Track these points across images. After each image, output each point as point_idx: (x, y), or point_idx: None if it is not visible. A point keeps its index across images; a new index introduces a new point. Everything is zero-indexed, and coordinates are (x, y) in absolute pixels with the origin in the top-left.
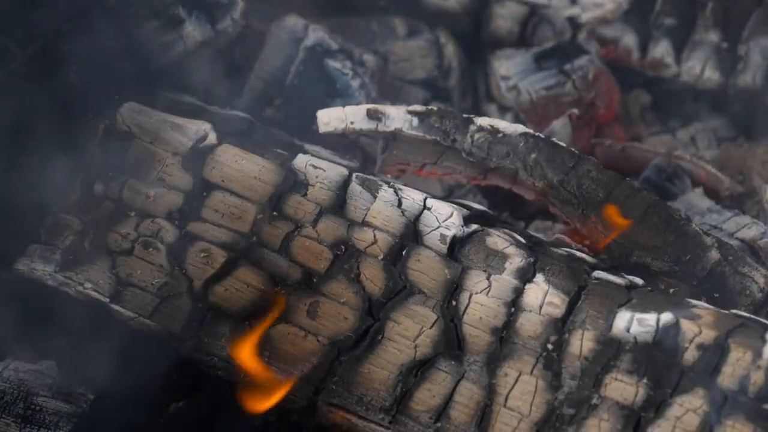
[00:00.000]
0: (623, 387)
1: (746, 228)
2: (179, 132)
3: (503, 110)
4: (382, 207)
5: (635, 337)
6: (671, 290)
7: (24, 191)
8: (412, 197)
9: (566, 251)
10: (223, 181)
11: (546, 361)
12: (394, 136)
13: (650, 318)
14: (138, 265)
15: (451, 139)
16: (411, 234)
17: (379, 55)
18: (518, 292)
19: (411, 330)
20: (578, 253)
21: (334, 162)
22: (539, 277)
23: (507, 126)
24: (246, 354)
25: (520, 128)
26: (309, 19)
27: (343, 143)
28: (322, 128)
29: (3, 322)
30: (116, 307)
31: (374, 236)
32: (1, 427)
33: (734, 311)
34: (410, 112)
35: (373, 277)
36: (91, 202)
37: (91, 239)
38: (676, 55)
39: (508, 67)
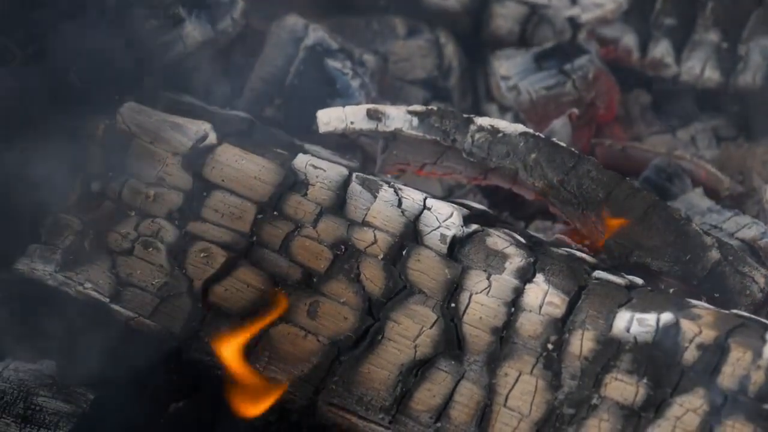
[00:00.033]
0: (623, 387)
1: (746, 228)
2: (179, 132)
3: (503, 110)
4: (382, 207)
5: (635, 337)
6: (671, 290)
7: (24, 191)
8: (412, 197)
9: (566, 251)
10: (223, 180)
11: (546, 361)
12: (394, 136)
13: (650, 318)
14: (138, 265)
15: (451, 139)
16: (411, 234)
17: (379, 55)
18: (518, 292)
19: (411, 330)
20: (578, 253)
21: (334, 162)
22: (539, 277)
23: (507, 126)
24: (232, 356)
25: (520, 128)
26: (309, 18)
27: (343, 143)
28: (322, 128)
29: (3, 322)
30: (116, 307)
31: (374, 236)
32: (1, 427)
33: (734, 311)
34: (410, 112)
35: (373, 277)
36: (91, 201)
37: (91, 239)
38: (676, 55)
39: (508, 67)
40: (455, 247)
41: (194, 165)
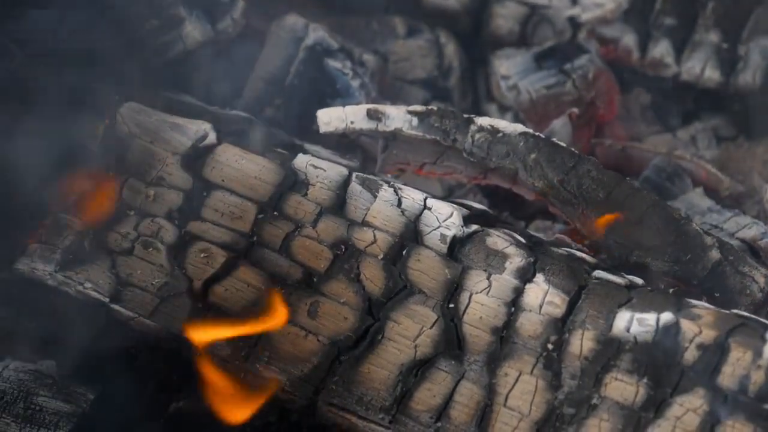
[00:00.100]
0: (623, 387)
1: (747, 228)
2: (179, 132)
3: (503, 110)
4: (382, 207)
5: (635, 337)
6: (671, 290)
7: (24, 191)
8: (412, 197)
9: (566, 251)
10: (223, 180)
11: (546, 361)
12: (394, 136)
13: (650, 318)
14: (138, 264)
15: (452, 139)
16: (411, 234)
17: (379, 55)
18: (518, 292)
19: (411, 330)
20: (578, 253)
21: (334, 162)
22: (539, 277)
23: (507, 126)
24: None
25: (520, 128)
26: (309, 18)
27: (343, 143)
28: (323, 128)
29: (3, 322)
30: (116, 307)
31: (374, 236)
32: (1, 427)
33: (734, 311)
34: (410, 112)
35: (373, 276)
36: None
37: (91, 239)
38: (676, 55)
39: (508, 67)
40: (455, 247)
41: (194, 165)
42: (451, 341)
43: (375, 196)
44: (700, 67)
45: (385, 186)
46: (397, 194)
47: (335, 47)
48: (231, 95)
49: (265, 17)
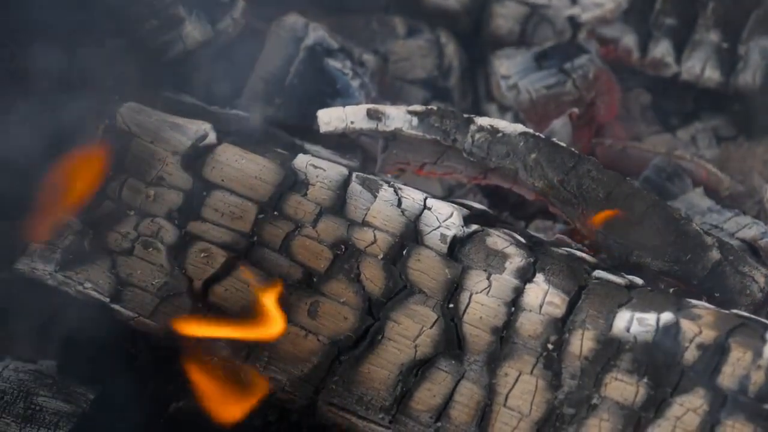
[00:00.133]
0: (623, 387)
1: (747, 228)
2: (179, 131)
3: (503, 110)
4: (382, 207)
5: (635, 337)
6: (671, 290)
7: (24, 191)
8: (413, 197)
9: (566, 251)
10: (223, 180)
11: (546, 361)
12: (394, 136)
13: (650, 318)
14: (138, 264)
15: (452, 139)
16: (411, 234)
17: (379, 55)
18: (518, 292)
19: (411, 330)
20: (578, 253)
21: (335, 162)
22: (539, 277)
23: (507, 126)
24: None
25: (520, 128)
26: (309, 18)
27: (343, 143)
28: (323, 128)
29: (3, 321)
30: (116, 307)
31: (374, 236)
32: (1, 427)
33: (734, 311)
34: (410, 112)
35: (373, 276)
36: (90, 201)
37: (91, 239)
38: (676, 55)
39: (509, 67)
40: (455, 247)
41: (194, 164)
42: (451, 341)
43: (375, 196)
44: (700, 67)
45: (385, 186)
46: (397, 194)
47: (335, 47)
48: (231, 95)
49: (265, 17)
